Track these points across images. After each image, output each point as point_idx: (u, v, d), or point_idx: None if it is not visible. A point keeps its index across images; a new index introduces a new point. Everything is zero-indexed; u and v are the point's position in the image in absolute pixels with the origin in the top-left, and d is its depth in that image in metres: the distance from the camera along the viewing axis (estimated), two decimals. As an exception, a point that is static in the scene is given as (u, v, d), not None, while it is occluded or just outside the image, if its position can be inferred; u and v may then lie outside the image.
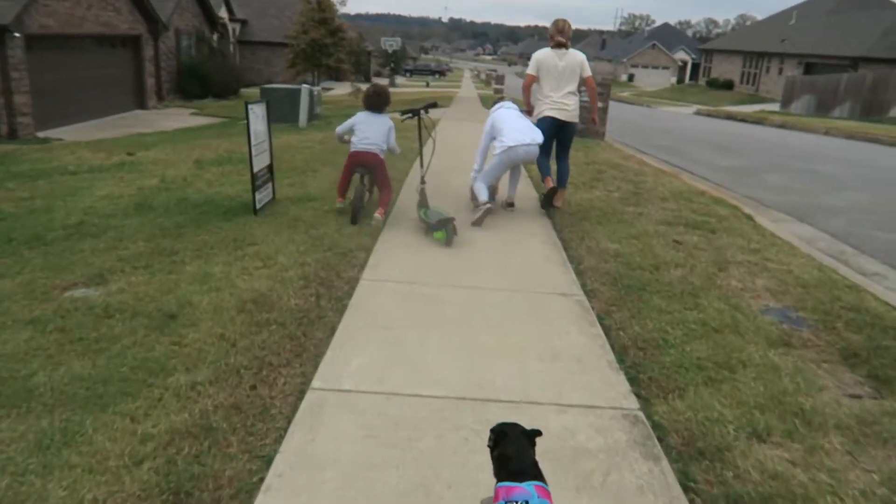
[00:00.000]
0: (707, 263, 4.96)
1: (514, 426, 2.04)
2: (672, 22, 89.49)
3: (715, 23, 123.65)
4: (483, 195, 6.01)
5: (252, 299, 3.95)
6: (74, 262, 4.61)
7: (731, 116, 27.73)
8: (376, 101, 6.08)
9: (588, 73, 6.51)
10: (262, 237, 5.25)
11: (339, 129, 6.41)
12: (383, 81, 49.91)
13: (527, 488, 1.82)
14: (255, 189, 5.93)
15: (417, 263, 4.79)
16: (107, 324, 3.60)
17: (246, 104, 5.80)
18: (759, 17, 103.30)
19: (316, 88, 13.39)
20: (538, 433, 2.02)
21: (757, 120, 25.70)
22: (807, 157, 12.84)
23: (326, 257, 4.76)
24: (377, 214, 5.63)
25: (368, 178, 6.00)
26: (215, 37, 29.27)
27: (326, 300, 4.01)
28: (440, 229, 5.24)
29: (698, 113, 31.26)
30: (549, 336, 3.63)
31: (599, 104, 12.94)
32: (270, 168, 6.49)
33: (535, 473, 1.89)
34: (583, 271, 4.74)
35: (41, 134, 14.95)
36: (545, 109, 6.39)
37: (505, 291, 4.33)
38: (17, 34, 13.70)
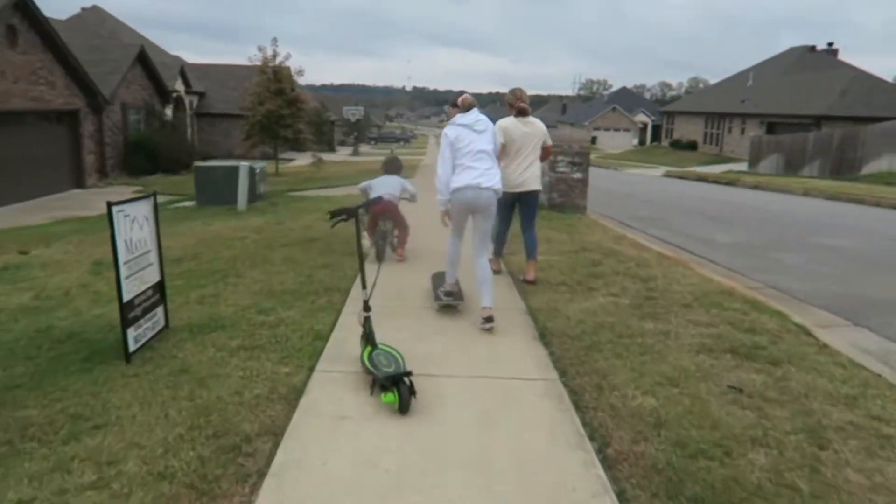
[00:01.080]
0: (795, 434, 3.23)
1: None
2: (629, 86, 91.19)
3: (669, 86, 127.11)
4: (450, 274, 5.39)
5: None
6: None
7: (701, 178, 26.80)
8: (392, 166, 7.73)
9: (549, 142, 6.39)
10: (120, 409, 3.40)
11: (361, 185, 7.72)
12: (347, 150, 48.86)
13: None
14: (127, 325, 4.09)
15: (352, 459, 2.97)
16: None
17: (108, 205, 4.00)
18: (711, 80, 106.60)
19: (260, 165, 11.69)
20: None
21: (729, 181, 24.74)
22: (811, 228, 11.46)
23: (203, 459, 2.91)
24: (397, 256, 7.16)
25: (390, 222, 7.15)
26: (168, 109, 27.71)
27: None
28: (390, 390, 3.45)
29: (668, 175, 30.39)
30: None
31: (578, 175, 11.50)
32: (160, 286, 4.67)
33: None
34: (613, 462, 2.97)
35: (-55, 223, 12.93)
36: (506, 182, 5.88)
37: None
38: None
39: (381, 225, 7.01)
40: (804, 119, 32.94)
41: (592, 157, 44.96)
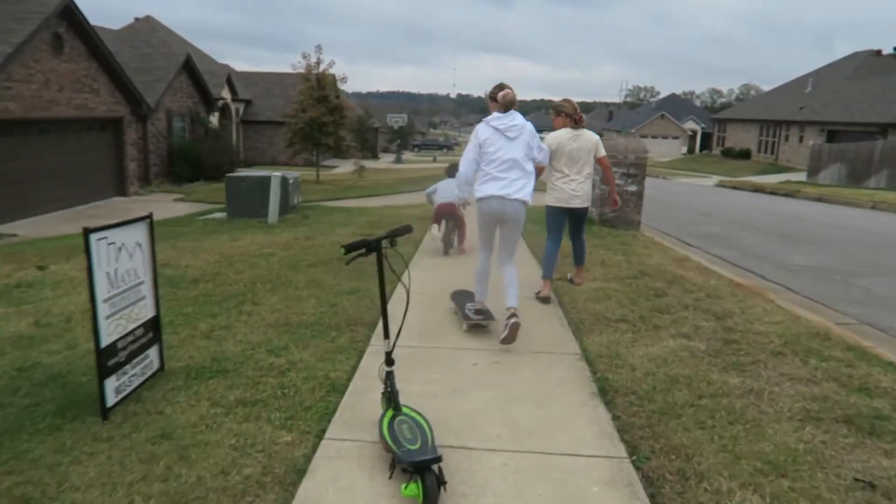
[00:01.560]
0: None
1: None
2: (678, 92, 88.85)
3: (719, 92, 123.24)
4: (479, 291, 5.18)
5: None
6: None
7: (758, 189, 25.31)
8: (453, 170, 7.66)
9: (602, 151, 6.16)
10: (76, 493, 2.70)
11: (427, 191, 8.68)
12: (390, 157, 48.52)
13: None
14: (105, 374, 3.41)
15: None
16: None
17: (85, 232, 3.31)
18: (763, 87, 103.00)
19: (293, 175, 11.09)
20: None
21: (789, 192, 23.26)
22: (893, 247, 10.26)
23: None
24: (460, 251, 8.08)
25: (452, 223, 8.07)
26: (213, 117, 27.67)
27: None
28: (414, 480, 2.67)
29: (721, 185, 28.93)
30: None
31: (633, 188, 10.54)
32: (154, 323, 3.99)
33: None
34: None
35: (-10, 229, 12.76)
36: (556, 196, 6.08)
37: None
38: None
39: (445, 225, 8.03)
40: (869, 127, 30.99)
41: (642, 166, 42.43)
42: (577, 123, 6.05)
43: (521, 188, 4.75)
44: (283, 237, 8.83)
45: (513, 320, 4.60)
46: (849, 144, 28.31)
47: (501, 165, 4.77)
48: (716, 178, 32.57)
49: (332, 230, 9.48)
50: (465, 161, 4.88)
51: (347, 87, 26.31)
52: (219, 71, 34.18)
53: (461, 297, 5.55)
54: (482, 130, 4.92)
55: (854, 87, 36.94)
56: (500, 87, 4.98)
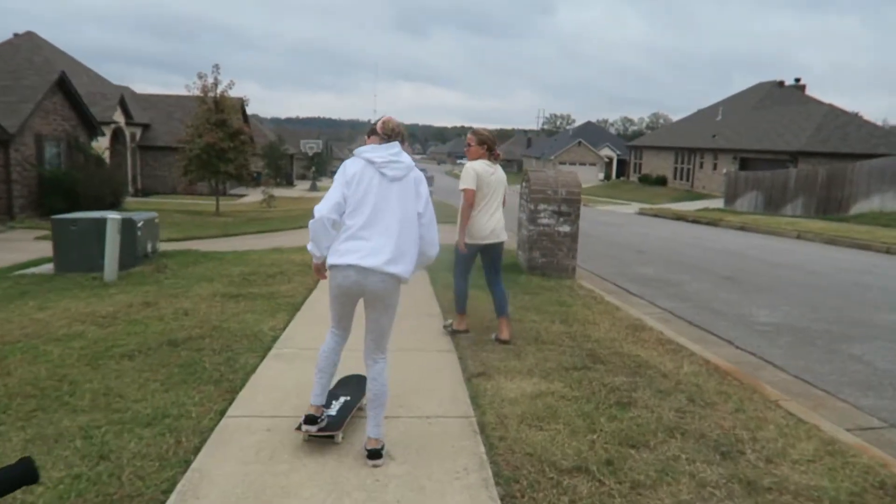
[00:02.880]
0: None
1: None
2: (593, 120, 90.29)
3: (631, 121, 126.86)
4: (318, 388, 3.40)
5: None
6: None
7: (680, 217, 24.49)
8: None
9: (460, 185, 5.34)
10: None
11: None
12: (307, 184, 45.81)
13: None
14: None
15: None
16: None
17: None
18: (672, 116, 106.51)
19: (144, 217, 8.59)
20: None
21: (711, 221, 22.47)
22: (857, 294, 8.87)
23: None
24: None
25: None
26: (100, 142, 24.48)
27: None
28: None
29: (642, 212, 28.10)
30: None
31: (566, 228, 8.79)
32: None
33: None
34: None
35: None
36: (471, 233, 5.33)
37: None
38: None
39: None
40: (780, 154, 31.15)
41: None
42: (495, 158, 5.49)
43: (394, 257, 3.14)
44: (114, 303, 6.45)
45: (375, 462, 3.18)
46: (764, 172, 28.13)
47: (370, 218, 3.14)
48: (636, 206, 31.87)
49: (188, 289, 7.16)
50: (324, 204, 3.22)
51: (265, 113, 24.30)
52: (111, 93, 30.84)
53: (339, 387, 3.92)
54: (351, 165, 3.27)
55: (762, 116, 37.49)
56: (382, 120, 3.39)
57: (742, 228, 20.36)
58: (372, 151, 3.21)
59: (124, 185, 23.99)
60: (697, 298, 8.26)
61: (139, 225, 8.13)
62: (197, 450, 3.29)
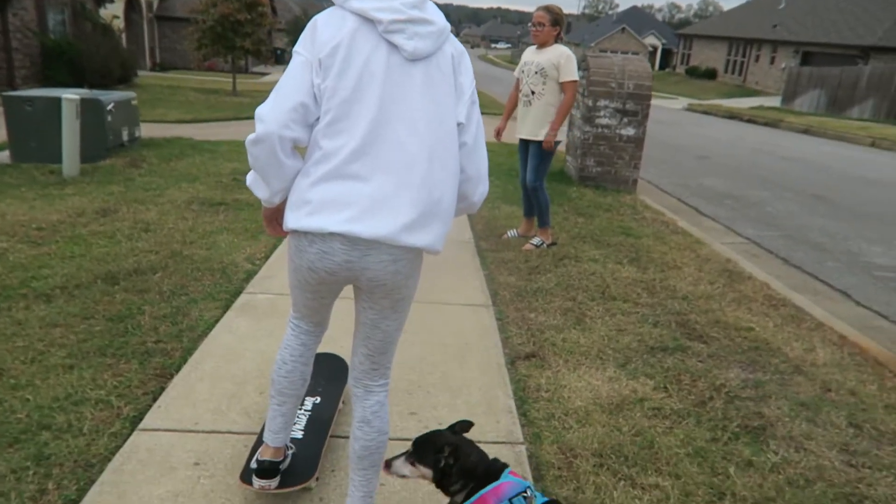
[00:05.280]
0: None
1: (448, 434, 1.66)
2: (638, 4, 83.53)
3: (678, 7, 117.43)
4: (271, 424, 2.02)
5: None
6: None
7: (734, 115, 22.01)
8: None
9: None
10: None
11: None
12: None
13: (505, 479, 1.54)
14: None
15: None
16: None
17: None
18: (723, 5, 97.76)
19: (117, 97, 6.88)
20: (468, 423, 1.68)
21: (769, 122, 20.08)
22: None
23: None
24: None
25: None
26: (109, 9, 22.36)
27: None
28: None
29: (690, 108, 25.51)
30: None
31: (631, 131, 7.02)
32: None
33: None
34: None
35: None
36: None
37: None
38: None
39: None
40: (849, 49, 27.72)
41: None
42: (560, 41, 4.71)
43: (419, 214, 1.59)
44: (63, 208, 5.03)
45: None
46: (831, 69, 25.06)
47: (370, 136, 1.56)
48: (683, 101, 29.08)
49: (161, 192, 5.70)
50: (275, 106, 1.58)
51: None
52: (124, -46, 28.14)
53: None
54: (326, 25, 1.62)
55: (830, 4, 33.32)
56: None
57: (806, 132, 18.11)
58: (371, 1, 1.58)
59: (136, 58, 22.10)
60: (788, 225, 6.61)
61: (109, 108, 6.54)
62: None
